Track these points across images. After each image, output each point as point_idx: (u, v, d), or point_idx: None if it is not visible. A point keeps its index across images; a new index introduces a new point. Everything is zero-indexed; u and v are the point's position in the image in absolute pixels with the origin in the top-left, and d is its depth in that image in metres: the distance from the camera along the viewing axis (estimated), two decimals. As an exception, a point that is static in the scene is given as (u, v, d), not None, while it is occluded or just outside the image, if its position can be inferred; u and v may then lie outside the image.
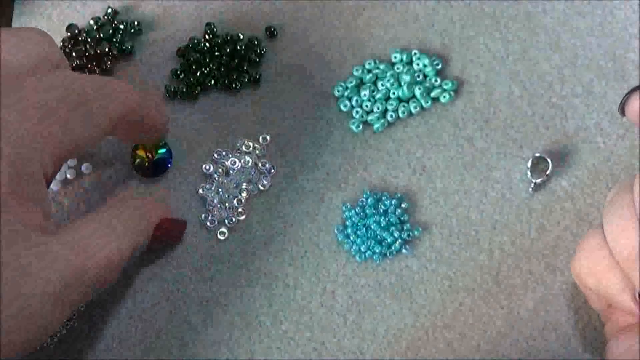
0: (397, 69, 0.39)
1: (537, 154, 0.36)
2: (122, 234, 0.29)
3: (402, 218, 0.36)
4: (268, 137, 0.38)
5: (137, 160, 0.37)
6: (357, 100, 0.38)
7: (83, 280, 0.27)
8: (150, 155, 0.37)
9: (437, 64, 0.39)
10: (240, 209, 0.37)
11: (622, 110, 0.31)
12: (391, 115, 0.38)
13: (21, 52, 0.27)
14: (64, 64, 0.29)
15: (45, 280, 0.25)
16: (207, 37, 0.40)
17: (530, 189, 0.36)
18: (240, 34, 0.40)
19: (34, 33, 0.29)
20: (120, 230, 0.30)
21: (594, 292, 0.31)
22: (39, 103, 0.26)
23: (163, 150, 0.37)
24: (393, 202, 0.36)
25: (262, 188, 0.37)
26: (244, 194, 0.37)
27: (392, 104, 0.38)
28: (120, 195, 0.37)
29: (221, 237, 0.36)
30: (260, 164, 0.37)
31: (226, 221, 0.36)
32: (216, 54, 0.39)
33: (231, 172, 0.37)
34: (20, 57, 0.27)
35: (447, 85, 0.38)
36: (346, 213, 0.36)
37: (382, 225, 0.35)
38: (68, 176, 0.37)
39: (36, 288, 0.25)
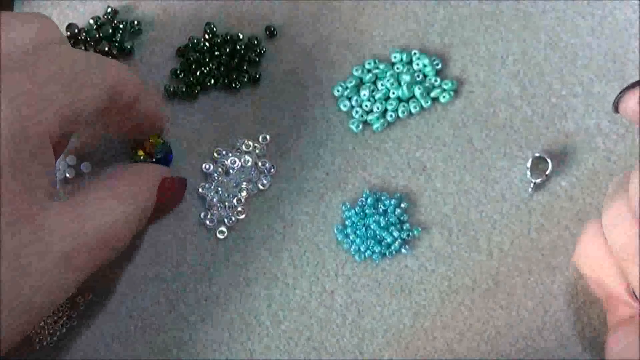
0: (397, 69, 0.39)
1: (537, 154, 0.36)
2: (126, 198, 0.31)
3: (401, 218, 0.36)
4: (268, 137, 0.38)
5: (137, 160, 0.37)
6: (357, 100, 0.38)
7: (88, 246, 0.28)
8: (150, 155, 0.37)
9: (437, 64, 0.39)
10: (239, 209, 0.37)
11: (616, 107, 0.31)
12: (391, 115, 0.38)
13: (25, 29, 0.29)
14: (65, 42, 0.31)
15: (47, 248, 0.26)
16: (206, 36, 0.40)
17: (530, 189, 0.36)
18: (240, 34, 0.40)
19: (36, 15, 0.31)
20: (124, 195, 0.31)
21: (593, 281, 0.31)
22: (42, 69, 0.28)
23: (163, 150, 0.37)
24: (392, 202, 0.36)
25: (261, 187, 0.37)
26: (244, 194, 0.37)
27: (391, 104, 0.38)
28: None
29: (220, 237, 0.36)
30: (260, 164, 0.37)
31: (226, 220, 0.36)
32: (216, 53, 0.40)
33: (231, 171, 0.37)
34: (24, 34, 0.29)
35: (447, 85, 0.38)
36: (346, 213, 0.36)
37: (381, 225, 0.35)
38: (67, 175, 0.37)
39: (38, 256, 0.26)
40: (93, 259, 0.29)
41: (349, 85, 0.39)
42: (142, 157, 0.36)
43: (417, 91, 0.38)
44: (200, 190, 0.37)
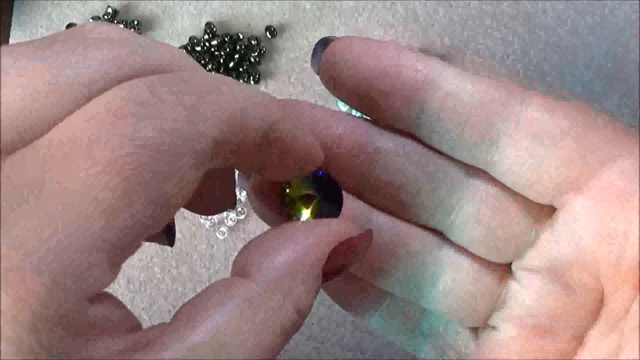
0: (397, 68, 0.39)
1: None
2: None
3: (402, 218, 0.36)
4: (268, 137, 0.38)
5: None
6: (357, 100, 0.38)
7: None
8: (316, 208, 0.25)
9: (437, 64, 0.39)
10: (239, 209, 0.36)
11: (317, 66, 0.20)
12: (391, 115, 0.38)
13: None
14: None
15: None
16: (207, 37, 0.40)
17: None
18: (240, 34, 0.40)
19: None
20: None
21: None
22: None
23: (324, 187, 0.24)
24: (393, 202, 0.36)
25: (261, 187, 0.37)
26: (244, 193, 0.37)
27: (392, 104, 0.38)
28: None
29: (220, 237, 0.36)
30: (259, 164, 0.37)
31: (226, 220, 0.36)
32: (216, 53, 0.40)
33: (231, 171, 0.37)
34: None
35: (447, 85, 0.38)
36: (346, 212, 0.36)
37: (381, 224, 0.35)
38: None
39: None
40: None
41: (349, 85, 0.39)
42: (306, 214, 0.21)
43: (417, 91, 0.38)
44: (200, 190, 0.37)
